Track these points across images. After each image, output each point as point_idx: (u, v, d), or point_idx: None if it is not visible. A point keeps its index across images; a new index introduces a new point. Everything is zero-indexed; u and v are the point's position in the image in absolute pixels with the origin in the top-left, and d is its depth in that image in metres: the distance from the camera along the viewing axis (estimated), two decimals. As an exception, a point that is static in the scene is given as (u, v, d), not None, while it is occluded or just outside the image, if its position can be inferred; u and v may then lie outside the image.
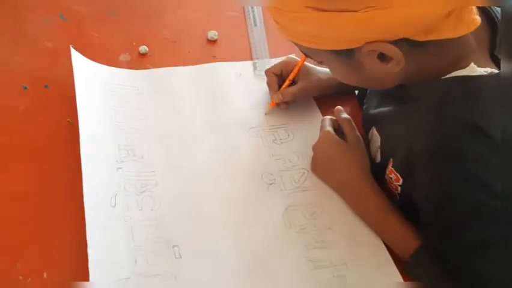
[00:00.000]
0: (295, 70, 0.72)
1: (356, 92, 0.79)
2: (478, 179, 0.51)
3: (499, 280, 0.51)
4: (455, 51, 0.54)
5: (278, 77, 0.74)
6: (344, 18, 0.49)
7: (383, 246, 0.62)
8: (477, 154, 0.51)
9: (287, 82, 0.73)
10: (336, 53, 0.54)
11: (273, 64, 0.75)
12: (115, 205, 0.60)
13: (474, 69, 0.53)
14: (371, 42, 0.51)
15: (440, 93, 0.54)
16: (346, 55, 0.53)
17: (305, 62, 0.73)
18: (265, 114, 0.74)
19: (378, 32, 0.50)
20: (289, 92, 0.72)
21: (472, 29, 0.51)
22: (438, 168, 0.53)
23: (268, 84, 0.74)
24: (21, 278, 0.54)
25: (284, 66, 0.73)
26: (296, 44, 0.56)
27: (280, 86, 0.73)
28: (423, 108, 0.55)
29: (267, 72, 0.74)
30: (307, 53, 0.58)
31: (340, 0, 0.48)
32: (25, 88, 0.72)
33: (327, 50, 0.54)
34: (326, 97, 0.77)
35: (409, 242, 0.60)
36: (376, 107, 0.68)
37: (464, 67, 0.53)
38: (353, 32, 0.50)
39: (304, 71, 0.73)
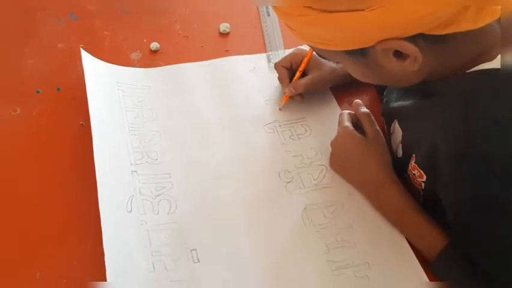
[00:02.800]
0: (305, 60, 0.70)
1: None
2: (509, 180, 0.48)
3: None
4: (479, 42, 0.50)
5: (288, 70, 0.72)
6: (351, 18, 0.46)
7: (407, 244, 0.60)
8: (508, 154, 0.48)
9: (298, 74, 0.70)
10: (350, 53, 0.51)
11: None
12: (131, 210, 0.59)
13: None
14: (384, 40, 0.48)
15: (466, 88, 0.51)
16: (360, 55, 0.51)
17: (315, 53, 0.70)
18: (280, 109, 0.72)
19: (389, 29, 0.47)
20: (301, 84, 0.70)
21: (496, 17, 0.47)
22: (467, 169, 0.50)
23: (280, 78, 0.72)
24: (41, 286, 0.54)
25: (293, 58, 0.71)
26: (309, 46, 0.54)
27: (291, 79, 0.71)
28: (449, 105, 0.52)
29: (276, 66, 0.72)
30: (322, 54, 0.56)
31: (345, 1, 0.45)
32: (38, 92, 0.71)
33: (340, 51, 0.51)
34: (343, 89, 0.75)
35: (434, 241, 0.57)
36: (397, 100, 0.65)
37: (491, 59, 0.50)
38: (362, 32, 0.47)
39: (315, 62, 0.71)
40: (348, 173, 0.65)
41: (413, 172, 0.59)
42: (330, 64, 0.71)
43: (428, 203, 0.60)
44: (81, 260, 0.56)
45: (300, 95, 0.71)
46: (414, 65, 0.49)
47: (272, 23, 0.82)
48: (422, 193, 0.60)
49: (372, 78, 0.59)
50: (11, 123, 0.68)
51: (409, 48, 0.48)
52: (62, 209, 0.60)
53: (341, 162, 0.66)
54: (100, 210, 0.56)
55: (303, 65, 0.70)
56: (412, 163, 0.59)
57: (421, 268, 0.58)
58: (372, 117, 0.66)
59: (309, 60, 0.70)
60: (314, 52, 0.70)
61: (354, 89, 0.75)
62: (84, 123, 0.67)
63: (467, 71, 0.51)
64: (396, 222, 0.61)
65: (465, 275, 0.55)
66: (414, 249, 0.60)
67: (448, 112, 0.52)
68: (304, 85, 0.70)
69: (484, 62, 0.50)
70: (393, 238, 0.61)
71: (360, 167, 0.63)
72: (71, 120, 0.68)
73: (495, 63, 0.50)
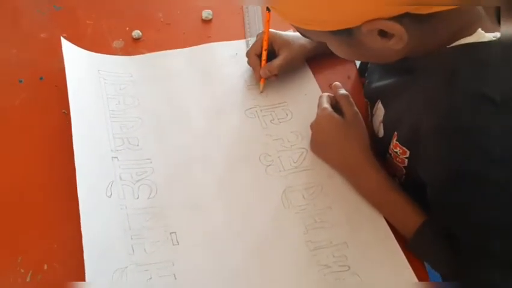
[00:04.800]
0: (265, 38, 0.70)
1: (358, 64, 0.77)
2: (492, 154, 0.48)
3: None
4: (461, 18, 0.50)
5: (259, 56, 0.72)
6: None
7: (385, 223, 0.61)
8: (489, 127, 0.48)
9: (264, 53, 0.71)
10: (335, 33, 0.51)
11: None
12: (110, 195, 0.60)
13: (482, 35, 0.50)
14: (370, 20, 0.47)
15: (447, 63, 0.51)
16: (345, 35, 0.51)
17: (284, 32, 0.72)
18: (261, 92, 0.73)
19: (377, 9, 0.46)
20: (275, 66, 0.71)
21: None
22: (449, 143, 0.50)
23: (252, 66, 0.73)
24: (22, 271, 0.55)
25: (262, 42, 0.71)
26: (294, 26, 0.54)
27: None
28: (431, 80, 0.52)
29: (248, 54, 0.73)
30: (306, 34, 0.56)
31: None
32: (20, 81, 0.72)
33: (326, 31, 0.51)
34: (325, 72, 0.75)
35: (412, 219, 0.58)
36: (379, 80, 0.65)
37: (471, 34, 0.50)
38: (350, 12, 0.47)
39: (283, 41, 0.72)
40: (327, 155, 0.66)
41: (395, 150, 0.60)
42: (299, 41, 0.72)
43: (410, 182, 0.61)
44: (63, 244, 0.57)
45: (275, 75, 0.72)
46: (399, 44, 0.49)
47: (254, 10, 0.82)
48: (404, 171, 0.61)
49: (355, 56, 0.60)
50: (-7, 112, 0.69)
51: (395, 28, 0.47)
52: (43, 194, 0.61)
53: (320, 144, 0.66)
54: (79, 195, 0.57)
55: (265, 43, 0.70)
56: (394, 141, 0.60)
57: (399, 247, 0.59)
58: (351, 98, 0.66)
59: (268, 37, 0.70)
60: (266, 23, 0.68)
61: (336, 71, 0.75)
62: (66, 112, 0.67)
63: (447, 46, 0.51)
64: (375, 203, 0.62)
65: (441, 251, 0.55)
66: (392, 229, 0.60)
67: (430, 87, 0.52)
68: (279, 66, 0.71)
69: (464, 37, 0.50)
70: (372, 218, 0.61)
71: (338, 148, 0.64)
72: (54, 108, 0.69)
73: (475, 38, 0.50)
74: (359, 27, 0.49)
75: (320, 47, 0.58)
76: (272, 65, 0.71)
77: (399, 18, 0.47)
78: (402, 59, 0.55)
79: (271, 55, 0.72)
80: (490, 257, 0.51)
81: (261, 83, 0.72)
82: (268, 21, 0.69)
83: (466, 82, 0.49)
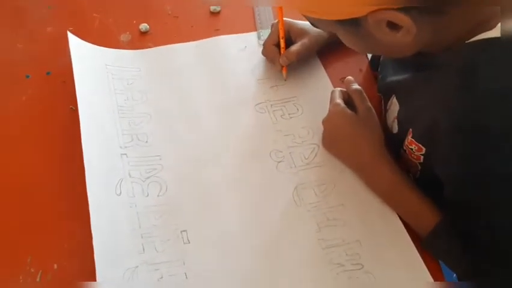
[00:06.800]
0: (280, 26, 0.68)
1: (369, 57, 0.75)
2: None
3: None
4: (480, 13, 0.48)
5: (277, 46, 0.71)
6: None
7: (399, 222, 0.60)
8: (509, 125, 0.46)
9: (282, 41, 0.69)
10: (342, 23, 0.49)
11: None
12: (120, 193, 0.59)
13: None
14: (376, 10, 0.46)
15: (465, 59, 0.49)
16: (353, 26, 0.49)
17: (299, 21, 0.71)
18: (285, 80, 0.72)
19: None
20: (293, 52, 0.69)
21: None
22: (468, 142, 0.49)
23: (270, 58, 0.71)
24: (32, 270, 0.55)
25: (278, 33, 0.70)
26: (301, 14, 0.53)
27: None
28: (448, 77, 0.51)
29: (265, 45, 0.71)
30: (315, 24, 0.55)
31: None
32: (27, 77, 0.71)
33: (333, 21, 0.50)
34: (336, 65, 0.73)
35: (427, 217, 0.57)
36: (393, 75, 0.63)
37: (491, 28, 0.48)
38: (353, 1, 0.46)
39: (299, 30, 0.71)
40: (340, 151, 0.64)
41: (410, 147, 0.58)
42: (315, 29, 0.70)
43: (425, 178, 0.59)
44: (73, 243, 0.56)
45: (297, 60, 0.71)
46: (407, 37, 0.47)
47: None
48: (419, 167, 0.59)
49: (365, 48, 0.58)
50: (0, 108, 0.68)
51: (402, 19, 0.46)
52: (52, 193, 0.60)
53: (332, 140, 0.65)
54: (88, 194, 0.56)
55: (281, 31, 0.69)
56: (409, 138, 0.58)
57: (413, 245, 0.58)
58: (364, 93, 0.64)
59: (283, 25, 0.68)
60: (279, 12, 0.68)
61: (347, 64, 0.74)
62: (74, 108, 0.67)
63: (466, 42, 0.49)
64: (389, 201, 0.61)
65: (457, 250, 0.54)
66: (406, 227, 0.59)
67: (447, 84, 0.51)
68: (297, 52, 0.70)
69: (484, 31, 0.48)
70: (385, 216, 0.60)
71: (351, 144, 0.62)
72: (61, 104, 0.68)
73: (496, 32, 0.48)
74: (365, 18, 0.47)
75: (336, 35, 0.57)
76: (290, 52, 0.69)
77: (406, 9, 0.45)
78: (418, 54, 0.53)
79: (287, 44, 0.70)
80: (507, 255, 0.50)
81: (284, 72, 0.71)
82: (281, 8, 0.67)
83: (484, 79, 0.48)
